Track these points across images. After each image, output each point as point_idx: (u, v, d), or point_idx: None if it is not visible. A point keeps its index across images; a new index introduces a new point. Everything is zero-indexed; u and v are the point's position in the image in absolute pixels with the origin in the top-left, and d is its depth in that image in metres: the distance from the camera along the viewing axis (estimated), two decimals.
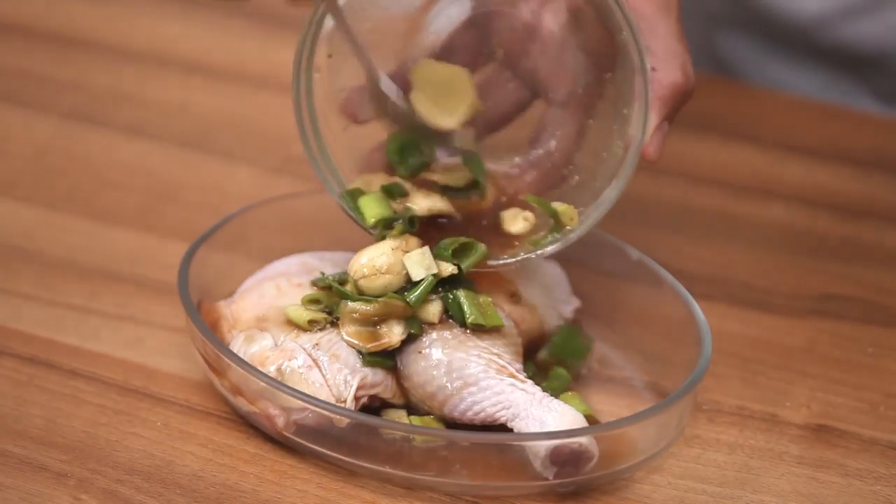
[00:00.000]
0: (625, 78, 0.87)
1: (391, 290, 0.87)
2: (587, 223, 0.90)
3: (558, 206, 0.90)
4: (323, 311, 0.87)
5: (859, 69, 1.30)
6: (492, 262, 0.90)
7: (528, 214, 0.91)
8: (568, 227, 0.90)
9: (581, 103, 0.91)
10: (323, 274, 0.90)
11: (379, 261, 0.87)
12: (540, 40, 0.91)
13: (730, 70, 1.34)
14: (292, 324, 0.88)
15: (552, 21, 0.90)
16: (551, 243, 0.90)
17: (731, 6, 1.31)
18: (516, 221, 0.91)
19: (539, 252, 0.90)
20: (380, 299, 0.86)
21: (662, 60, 0.87)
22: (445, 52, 0.92)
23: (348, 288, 0.87)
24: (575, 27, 0.90)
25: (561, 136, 0.92)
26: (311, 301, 0.88)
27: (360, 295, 0.86)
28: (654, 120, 0.87)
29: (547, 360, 0.92)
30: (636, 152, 0.87)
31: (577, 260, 0.98)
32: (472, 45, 0.92)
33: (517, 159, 0.94)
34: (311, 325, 0.87)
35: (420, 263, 0.87)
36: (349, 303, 0.86)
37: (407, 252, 0.87)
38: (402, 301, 0.86)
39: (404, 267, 0.87)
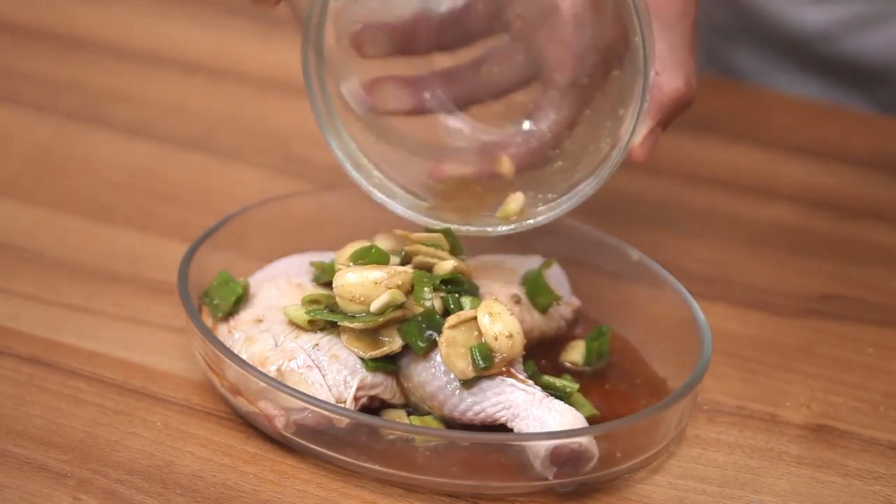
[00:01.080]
0: (630, 78, 0.87)
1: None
2: (556, 211, 0.90)
3: (510, 202, 0.90)
4: (323, 311, 0.87)
5: (863, 81, 1.30)
6: (451, 226, 0.91)
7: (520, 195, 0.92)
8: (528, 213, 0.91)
9: (582, 93, 0.91)
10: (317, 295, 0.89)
11: (357, 290, 0.86)
12: (556, 21, 0.91)
13: (736, 79, 1.34)
14: (292, 324, 0.88)
15: (572, 5, 0.91)
16: (511, 223, 0.91)
17: (737, 18, 1.31)
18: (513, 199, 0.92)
19: (494, 229, 0.91)
20: (380, 318, 0.86)
21: (668, 67, 0.87)
22: (462, 16, 0.92)
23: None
24: (593, 17, 0.90)
25: (555, 119, 0.93)
26: (311, 301, 0.88)
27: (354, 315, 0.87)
28: (648, 123, 0.87)
29: (576, 363, 0.93)
30: (621, 153, 0.88)
31: (577, 260, 0.98)
32: (488, 13, 0.93)
33: (509, 130, 0.94)
34: (312, 325, 0.87)
35: None
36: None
37: (390, 288, 0.86)
38: (400, 311, 0.86)
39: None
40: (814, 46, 1.28)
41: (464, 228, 0.92)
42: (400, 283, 0.86)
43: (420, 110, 0.95)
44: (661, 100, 0.88)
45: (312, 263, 0.91)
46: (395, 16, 0.92)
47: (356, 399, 0.85)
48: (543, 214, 0.91)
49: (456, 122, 0.95)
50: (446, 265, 0.88)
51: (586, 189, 0.90)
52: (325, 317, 0.86)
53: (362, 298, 0.86)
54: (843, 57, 1.28)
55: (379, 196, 0.92)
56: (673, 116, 0.89)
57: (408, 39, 0.93)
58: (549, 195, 0.92)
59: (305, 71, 0.90)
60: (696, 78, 0.89)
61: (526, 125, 0.94)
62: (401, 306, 0.86)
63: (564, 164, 0.92)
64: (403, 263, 0.89)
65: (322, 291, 0.89)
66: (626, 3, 0.85)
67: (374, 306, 0.85)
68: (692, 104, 0.89)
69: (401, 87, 0.94)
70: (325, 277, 0.90)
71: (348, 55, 0.92)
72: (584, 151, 0.91)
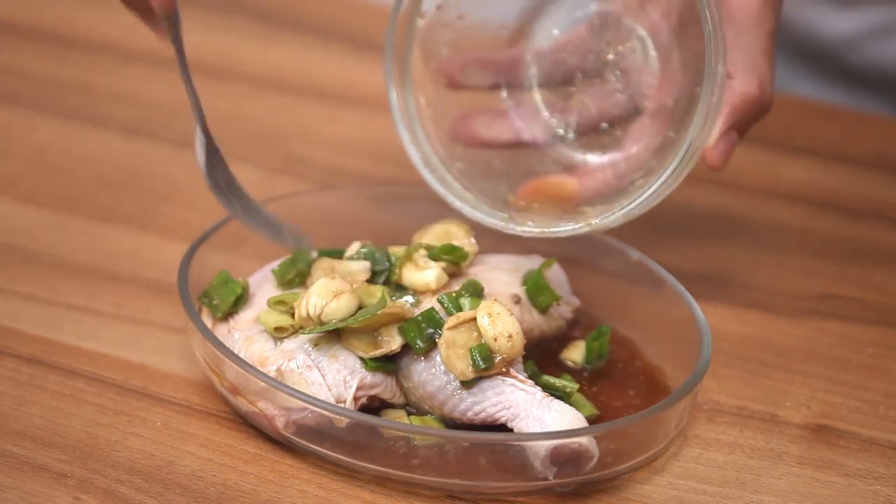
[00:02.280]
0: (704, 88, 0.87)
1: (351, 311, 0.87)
2: (617, 215, 0.92)
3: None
4: (289, 314, 0.87)
5: (887, 88, 1.30)
6: (521, 229, 0.92)
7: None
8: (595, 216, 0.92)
9: (669, 116, 0.91)
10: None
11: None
12: (647, 47, 0.91)
13: None
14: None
15: (666, 29, 0.90)
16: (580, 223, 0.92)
17: None
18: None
19: (559, 229, 0.92)
20: (378, 312, 0.85)
21: (741, 70, 0.86)
22: (559, 50, 0.92)
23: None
24: (681, 38, 0.90)
25: (643, 145, 0.92)
26: (277, 302, 0.88)
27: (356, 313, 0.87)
28: (719, 125, 0.86)
29: (576, 362, 0.93)
30: (691, 153, 0.87)
31: (577, 260, 0.98)
32: (584, 46, 0.92)
33: (602, 158, 0.94)
34: (278, 333, 0.87)
35: None
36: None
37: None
38: (400, 308, 0.86)
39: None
40: (837, 55, 1.28)
41: (534, 230, 0.92)
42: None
43: (514, 143, 0.95)
44: (732, 101, 0.86)
45: (273, 271, 0.91)
46: (488, 39, 0.92)
47: (356, 399, 0.85)
48: (614, 216, 0.91)
49: (545, 150, 0.96)
50: (428, 280, 0.89)
51: (659, 190, 0.90)
52: (314, 331, 0.86)
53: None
54: (866, 65, 1.27)
55: (460, 205, 0.93)
56: (747, 121, 0.87)
57: (504, 72, 0.93)
58: (624, 202, 0.92)
59: (389, 84, 0.90)
60: (772, 84, 0.87)
61: (613, 153, 0.94)
62: (401, 306, 0.86)
63: (644, 180, 0.92)
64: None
65: (289, 291, 0.89)
66: (698, 5, 0.84)
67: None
68: (769, 110, 0.88)
69: (495, 120, 0.94)
70: (286, 279, 0.90)
71: (434, 74, 0.92)
72: (664, 165, 0.91)
